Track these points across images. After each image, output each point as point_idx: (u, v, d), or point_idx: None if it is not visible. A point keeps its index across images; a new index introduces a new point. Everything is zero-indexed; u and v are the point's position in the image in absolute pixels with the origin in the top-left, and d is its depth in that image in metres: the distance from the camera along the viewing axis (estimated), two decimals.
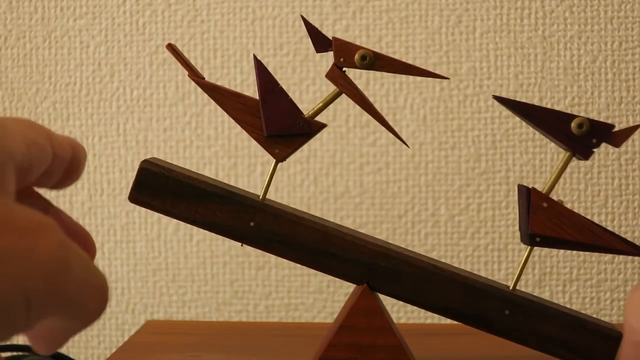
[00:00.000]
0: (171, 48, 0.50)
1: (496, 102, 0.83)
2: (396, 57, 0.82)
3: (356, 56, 0.49)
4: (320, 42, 0.50)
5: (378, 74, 0.81)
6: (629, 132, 0.50)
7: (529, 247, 0.50)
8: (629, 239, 0.51)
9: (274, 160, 0.50)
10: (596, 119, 0.82)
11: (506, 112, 0.81)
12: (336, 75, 0.50)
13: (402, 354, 0.49)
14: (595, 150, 0.50)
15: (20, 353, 0.62)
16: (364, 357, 0.49)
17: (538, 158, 0.81)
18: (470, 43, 0.81)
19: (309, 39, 0.50)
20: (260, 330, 0.68)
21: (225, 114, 0.86)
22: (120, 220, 0.83)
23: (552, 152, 0.81)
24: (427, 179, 0.82)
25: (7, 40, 0.83)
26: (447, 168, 0.82)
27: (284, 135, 0.50)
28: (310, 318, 0.83)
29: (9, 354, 0.61)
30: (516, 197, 0.81)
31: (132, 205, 0.84)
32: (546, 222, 0.50)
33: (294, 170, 0.82)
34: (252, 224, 0.49)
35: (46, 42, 0.83)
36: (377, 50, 0.86)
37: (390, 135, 0.84)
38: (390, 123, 0.83)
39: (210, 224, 0.50)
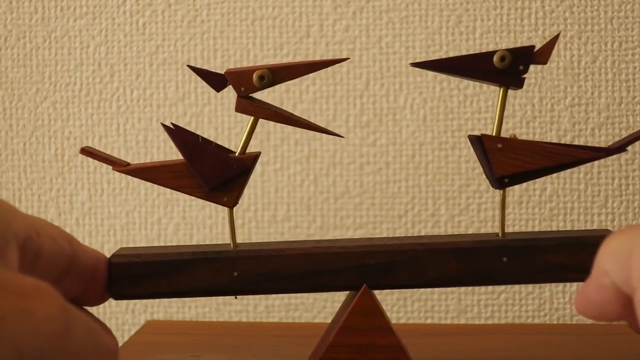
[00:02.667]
0: (86, 151, 0.49)
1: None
2: (396, 57, 0.82)
3: (254, 80, 0.49)
4: (216, 80, 0.50)
5: (378, 74, 0.81)
6: (551, 45, 0.50)
7: (502, 191, 0.51)
8: None
9: (227, 208, 0.50)
10: (595, 118, 0.83)
11: (507, 111, 0.81)
12: (244, 105, 0.50)
13: (402, 354, 0.49)
14: (525, 76, 0.50)
15: None
16: (364, 357, 0.49)
17: None
18: (470, 43, 0.81)
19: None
20: (260, 330, 0.68)
21: (225, 113, 0.86)
22: (120, 220, 0.83)
23: None
24: (427, 179, 0.82)
25: (7, 40, 0.83)
26: (447, 168, 0.82)
27: (225, 183, 0.50)
28: (310, 318, 0.83)
29: None
30: (516, 197, 0.81)
31: (133, 205, 0.85)
32: (507, 161, 0.50)
33: (294, 170, 0.82)
34: (235, 274, 0.49)
35: (46, 42, 0.83)
36: (375, 52, 0.86)
37: (391, 135, 0.84)
38: (390, 123, 0.84)
39: (196, 290, 0.49)
